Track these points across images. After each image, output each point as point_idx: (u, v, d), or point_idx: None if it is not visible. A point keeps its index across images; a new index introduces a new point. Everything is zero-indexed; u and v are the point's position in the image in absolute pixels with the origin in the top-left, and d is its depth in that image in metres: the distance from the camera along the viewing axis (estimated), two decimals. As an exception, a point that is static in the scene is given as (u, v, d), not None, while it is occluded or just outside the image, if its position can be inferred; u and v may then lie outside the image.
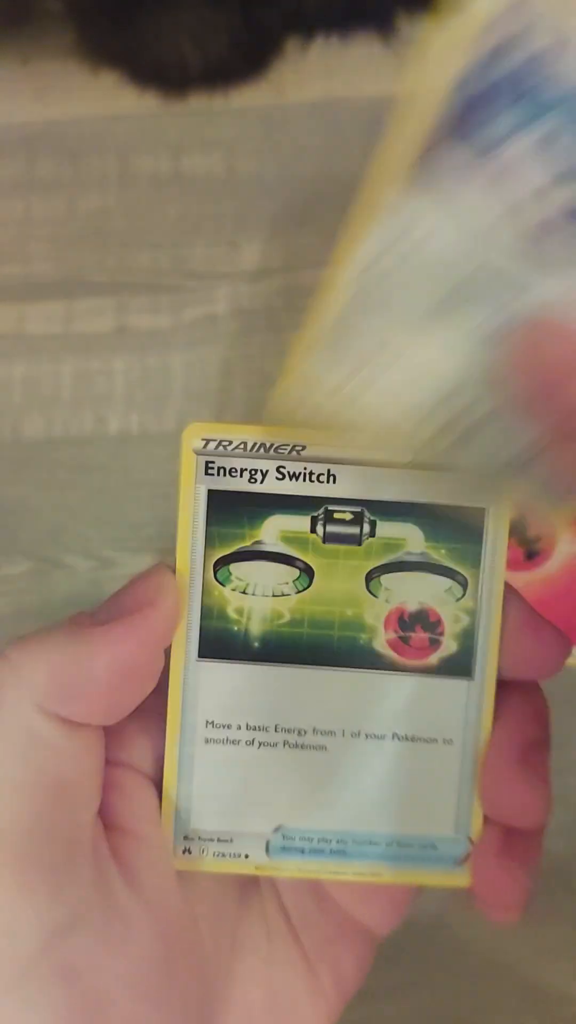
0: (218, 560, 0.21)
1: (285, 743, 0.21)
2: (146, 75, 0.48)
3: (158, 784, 0.21)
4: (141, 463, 0.43)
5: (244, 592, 0.21)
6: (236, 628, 0.21)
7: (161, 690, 0.21)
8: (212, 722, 0.21)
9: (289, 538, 0.21)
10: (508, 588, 0.21)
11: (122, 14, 0.46)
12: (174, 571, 0.21)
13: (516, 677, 0.21)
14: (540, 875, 0.37)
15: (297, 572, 0.21)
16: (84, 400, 0.44)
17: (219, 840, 0.21)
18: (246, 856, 0.22)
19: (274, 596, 0.21)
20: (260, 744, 0.21)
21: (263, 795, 0.21)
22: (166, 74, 0.48)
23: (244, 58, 0.48)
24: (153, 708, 0.21)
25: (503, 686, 0.21)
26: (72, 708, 0.19)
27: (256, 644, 0.21)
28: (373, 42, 0.49)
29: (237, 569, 0.21)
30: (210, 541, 0.21)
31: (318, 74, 0.49)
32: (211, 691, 0.21)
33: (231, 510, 0.21)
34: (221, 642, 0.21)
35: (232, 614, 0.21)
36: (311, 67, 0.49)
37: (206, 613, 0.21)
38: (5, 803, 0.18)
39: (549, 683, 0.40)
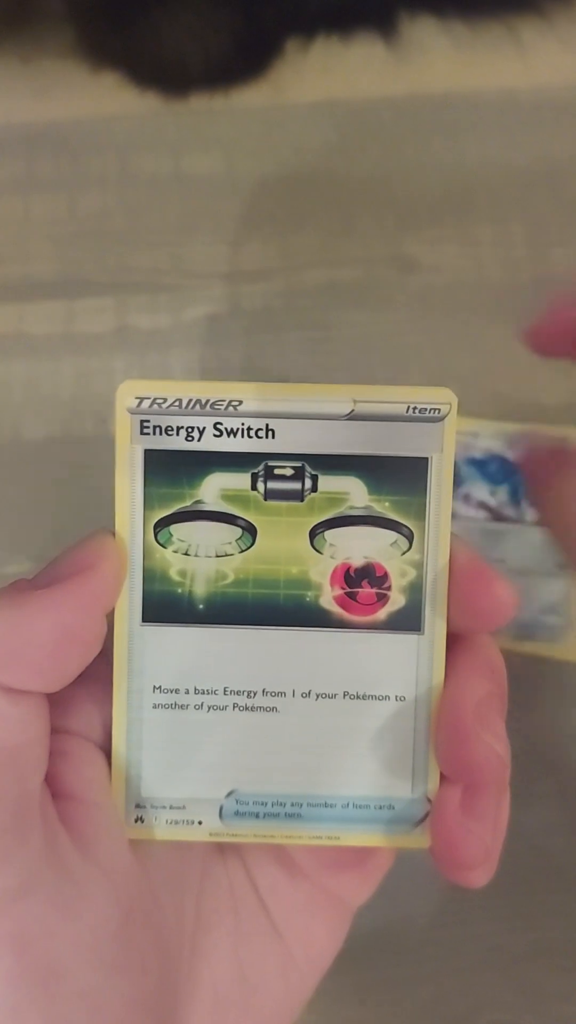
0: (158, 521, 0.20)
1: (235, 706, 0.21)
2: (147, 75, 0.48)
3: (108, 752, 0.21)
4: (141, 463, 0.43)
5: (186, 553, 0.20)
6: (180, 590, 0.20)
7: (107, 656, 0.20)
8: (160, 687, 0.21)
9: (230, 496, 0.20)
10: (455, 539, 0.21)
11: (123, 14, 0.46)
12: (114, 535, 0.20)
13: (466, 629, 0.21)
14: (537, 872, 0.37)
15: (239, 531, 0.20)
16: (84, 400, 0.44)
17: (171, 807, 0.21)
18: (199, 823, 0.21)
19: (217, 556, 0.20)
20: (209, 708, 0.21)
21: (215, 760, 0.21)
22: (167, 74, 0.48)
23: (245, 58, 0.48)
24: (100, 675, 0.20)
25: (454, 640, 0.21)
26: (13, 675, 0.18)
27: (201, 606, 0.21)
28: (373, 42, 0.49)
29: (178, 530, 0.20)
30: (149, 502, 0.20)
31: (318, 74, 0.49)
32: (157, 655, 0.21)
33: (169, 470, 0.20)
34: (165, 605, 0.21)
35: (175, 576, 0.20)
36: (311, 67, 0.49)
37: (148, 576, 0.20)
38: None
39: (544, 680, 0.40)
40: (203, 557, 0.21)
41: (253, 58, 0.49)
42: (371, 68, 0.49)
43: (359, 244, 0.46)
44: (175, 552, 0.21)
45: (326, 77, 0.48)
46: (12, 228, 0.46)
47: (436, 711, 0.21)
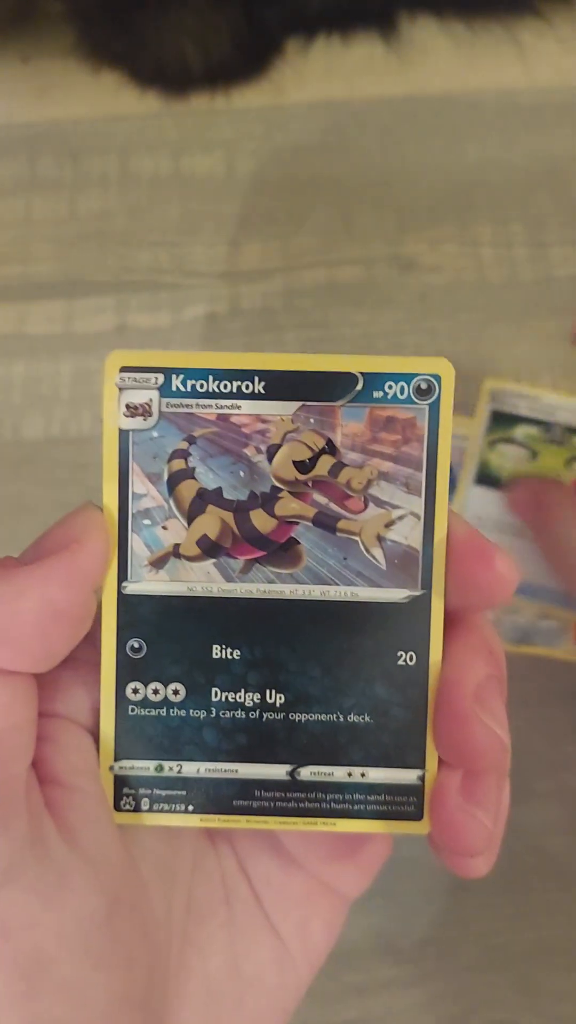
0: None
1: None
2: (147, 75, 0.48)
3: (97, 735, 0.20)
4: (141, 462, 0.43)
5: None
6: None
7: (95, 639, 0.20)
8: None
9: None
10: (453, 514, 0.20)
11: (123, 15, 0.46)
12: (101, 509, 0.20)
13: (465, 606, 0.20)
14: (536, 871, 0.37)
15: None
16: (84, 400, 0.44)
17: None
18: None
19: None
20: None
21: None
22: (167, 74, 0.48)
23: (245, 59, 0.48)
24: (88, 658, 0.20)
25: (451, 620, 0.20)
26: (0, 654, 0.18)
27: None
28: (374, 43, 0.49)
29: None
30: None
31: (319, 74, 0.49)
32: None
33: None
34: None
35: None
36: (312, 68, 0.49)
37: None
38: None
39: (543, 677, 0.40)
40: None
41: (253, 59, 0.49)
42: (371, 69, 0.49)
43: (359, 244, 0.46)
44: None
45: (326, 78, 0.48)
46: (13, 228, 0.46)
47: (433, 692, 0.20)
